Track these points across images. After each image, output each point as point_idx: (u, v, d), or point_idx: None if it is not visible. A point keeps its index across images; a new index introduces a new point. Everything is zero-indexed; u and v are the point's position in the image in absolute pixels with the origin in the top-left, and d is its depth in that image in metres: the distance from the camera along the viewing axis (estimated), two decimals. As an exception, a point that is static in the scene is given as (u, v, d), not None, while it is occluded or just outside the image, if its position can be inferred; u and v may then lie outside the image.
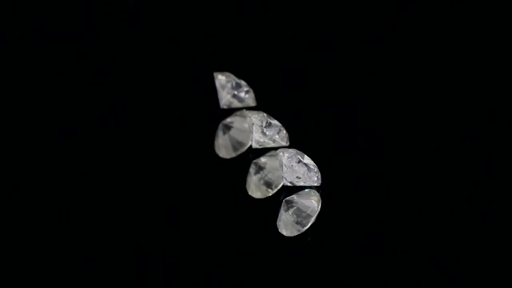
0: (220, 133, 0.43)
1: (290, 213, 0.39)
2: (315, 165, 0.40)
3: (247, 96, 0.43)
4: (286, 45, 0.48)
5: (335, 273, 0.38)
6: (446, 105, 0.45)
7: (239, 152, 0.42)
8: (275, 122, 0.41)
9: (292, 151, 0.40)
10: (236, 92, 0.43)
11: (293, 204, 0.39)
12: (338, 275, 0.38)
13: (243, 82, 0.44)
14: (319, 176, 0.40)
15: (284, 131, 0.41)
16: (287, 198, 0.39)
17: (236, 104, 0.43)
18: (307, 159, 0.40)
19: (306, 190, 0.40)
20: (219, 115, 0.43)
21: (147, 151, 0.43)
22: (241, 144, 0.42)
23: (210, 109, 0.44)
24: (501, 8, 0.49)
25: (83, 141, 0.43)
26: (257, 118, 0.41)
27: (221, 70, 0.44)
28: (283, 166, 0.39)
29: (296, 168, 0.40)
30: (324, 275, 0.38)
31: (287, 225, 0.39)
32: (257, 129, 0.41)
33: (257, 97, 0.44)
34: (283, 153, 0.40)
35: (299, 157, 0.40)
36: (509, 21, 0.49)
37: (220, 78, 0.43)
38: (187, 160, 0.42)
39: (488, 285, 0.38)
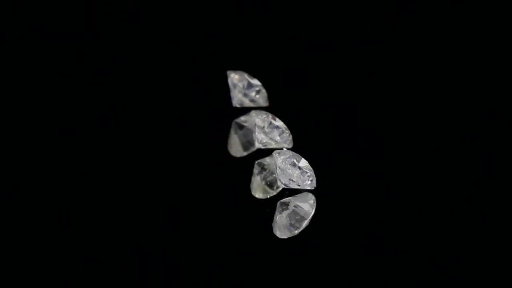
0: (232, 131, 0.43)
1: (284, 215, 0.39)
2: (311, 169, 0.40)
3: (258, 96, 0.43)
4: (287, 45, 0.48)
5: (334, 274, 0.38)
6: (446, 105, 0.45)
7: (249, 151, 0.42)
8: (279, 123, 0.41)
9: (288, 153, 0.40)
10: (247, 92, 0.43)
11: (288, 206, 0.39)
12: (337, 276, 0.38)
13: (256, 82, 0.43)
14: (314, 180, 0.40)
15: (288, 133, 0.41)
16: (283, 200, 0.39)
17: (247, 103, 0.43)
18: (303, 163, 0.40)
19: (304, 192, 0.40)
20: (233, 113, 0.43)
21: (160, 148, 0.43)
22: (251, 143, 0.42)
23: (226, 108, 0.44)
24: (501, 8, 0.50)
25: (87, 141, 0.43)
26: (260, 119, 0.41)
27: (238, 68, 0.44)
28: (277, 168, 0.39)
29: (290, 171, 0.39)
30: (322, 276, 0.38)
31: (280, 227, 0.39)
32: (259, 130, 0.41)
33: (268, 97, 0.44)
34: (278, 154, 0.40)
35: (294, 160, 0.40)
36: (509, 21, 0.49)
37: (233, 77, 0.43)
38: (198, 158, 0.42)
39: (488, 285, 0.38)
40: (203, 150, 0.43)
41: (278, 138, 0.41)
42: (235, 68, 0.44)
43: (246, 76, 0.43)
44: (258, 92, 0.43)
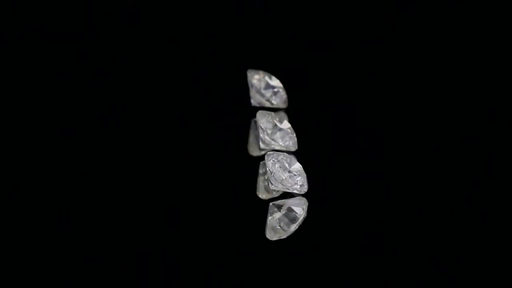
0: (250, 131, 0.43)
1: (275, 218, 0.39)
2: (302, 172, 0.39)
3: (274, 97, 0.43)
4: (287, 45, 0.48)
5: (334, 274, 0.38)
6: (446, 105, 0.45)
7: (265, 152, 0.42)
8: (284, 126, 0.41)
9: (280, 155, 0.40)
10: (264, 92, 0.43)
11: (279, 209, 0.39)
12: (338, 277, 0.38)
13: (275, 83, 0.43)
14: (304, 185, 0.39)
15: (292, 136, 0.41)
16: (275, 202, 0.39)
17: (265, 103, 0.43)
18: (294, 166, 0.39)
19: (299, 196, 0.39)
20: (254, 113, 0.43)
21: (180, 146, 0.43)
22: None
23: (247, 107, 0.44)
24: (501, 8, 0.50)
25: (89, 141, 0.43)
26: (265, 120, 0.41)
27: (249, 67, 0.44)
28: (268, 170, 0.39)
29: (280, 174, 0.39)
30: (322, 277, 0.38)
31: (270, 229, 0.39)
32: (262, 132, 0.41)
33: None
34: (269, 157, 0.39)
35: (285, 163, 0.39)
36: (509, 21, 0.49)
37: (251, 76, 0.43)
38: (216, 157, 0.42)
39: (488, 285, 0.38)
40: (222, 149, 0.43)
41: (280, 141, 0.41)
42: (251, 67, 0.44)
43: (265, 76, 0.43)
44: (275, 93, 0.43)
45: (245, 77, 0.44)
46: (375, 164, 0.42)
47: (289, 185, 0.39)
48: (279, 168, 0.39)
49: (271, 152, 0.40)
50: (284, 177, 0.39)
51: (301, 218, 0.39)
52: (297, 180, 0.39)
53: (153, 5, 0.50)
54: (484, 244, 0.39)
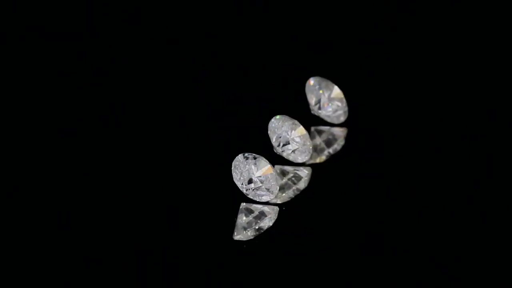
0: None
1: (242, 219, 0.39)
2: (264, 180, 0.39)
3: (325, 113, 0.43)
4: (286, 45, 0.48)
5: (333, 274, 0.38)
6: (446, 105, 0.45)
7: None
8: (297, 136, 0.41)
9: (255, 157, 0.39)
10: (313, 102, 0.43)
11: (248, 212, 0.39)
12: (337, 277, 0.38)
13: (333, 96, 0.43)
14: (261, 196, 0.39)
15: (302, 149, 0.41)
16: (248, 205, 0.39)
17: (316, 113, 0.43)
18: (258, 173, 0.39)
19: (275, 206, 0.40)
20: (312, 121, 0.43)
21: (180, 145, 0.43)
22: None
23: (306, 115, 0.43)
24: (501, 8, 0.50)
25: (89, 141, 0.43)
26: (276, 129, 0.41)
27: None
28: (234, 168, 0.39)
29: (246, 176, 0.39)
30: (321, 277, 0.38)
31: (235, 227, 0.39)
32: (272, 141, 0.41)
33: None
34: (238, 156, 0.39)
35: (252, 169, 0.39)
36: (509, 21, 0.49)
37: (307, 88, 0.43)
38: (214, 157, 0.42)
39: (488, 285, 0.38)
40: (222, 149, 0.43)
41: (285, 154, 0.41)
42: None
43: (323, 90, 0.43)
44: (324, 107, 0.43)
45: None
46: (375, 164, 0.42)
47: (244, 190, 0.39)
48: (241, 172, 0.39)
49: (247, 154, 0.40)
50: (245, 181, 0.39)
51: (263, 225, 0.39)
52: (259, 187, 0.39)
53: (153, 5, 0.50)
54: (484, 244, 0.39)
